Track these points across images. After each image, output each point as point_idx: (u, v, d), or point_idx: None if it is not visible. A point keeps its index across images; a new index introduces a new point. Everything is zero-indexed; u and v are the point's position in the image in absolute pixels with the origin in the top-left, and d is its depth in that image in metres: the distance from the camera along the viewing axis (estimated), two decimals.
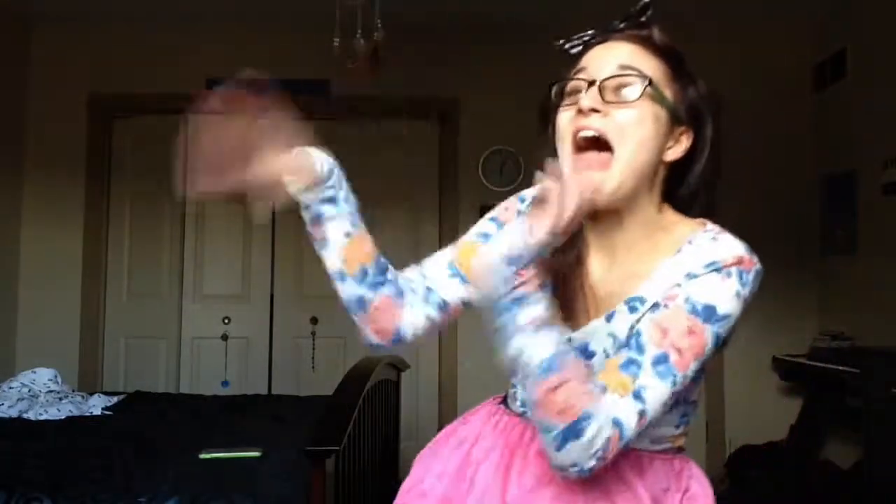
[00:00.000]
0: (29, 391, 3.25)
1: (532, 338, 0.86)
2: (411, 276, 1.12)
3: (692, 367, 0.90)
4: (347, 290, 1.06)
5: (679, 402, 0.96)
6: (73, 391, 3.47)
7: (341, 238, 1.03)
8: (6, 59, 4.10)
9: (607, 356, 0.96)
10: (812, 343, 3.86)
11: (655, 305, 0.94)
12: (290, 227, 4.31)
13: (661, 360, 0.88)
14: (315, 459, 1.96)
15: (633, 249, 1.00)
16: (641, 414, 0.87)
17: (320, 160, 1.01)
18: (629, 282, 0.99)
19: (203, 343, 4.25)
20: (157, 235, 4.30)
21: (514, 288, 0.85)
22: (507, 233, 0.93)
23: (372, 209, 4.62)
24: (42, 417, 2.94)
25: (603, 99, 0.95)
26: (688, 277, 0.93)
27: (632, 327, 0.95)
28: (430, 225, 4.27)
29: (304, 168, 0.99)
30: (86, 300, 4.21)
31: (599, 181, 0.95)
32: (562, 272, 1.02)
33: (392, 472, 3.22)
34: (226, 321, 4.26)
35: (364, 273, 1.05)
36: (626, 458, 0.95)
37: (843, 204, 3.82)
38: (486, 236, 1.13)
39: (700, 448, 3.97)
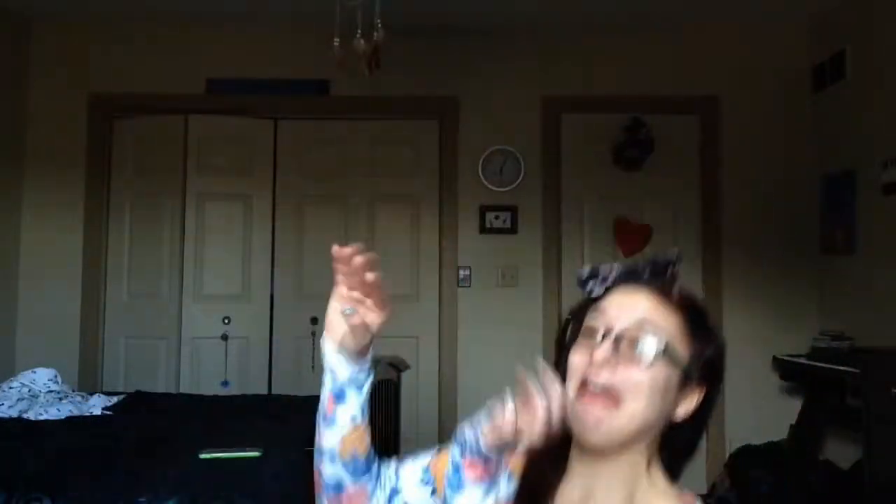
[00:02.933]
0: (29, 391, 3.24)
1: None
2: (385, 471, 1.09)
3: None
4: (332, 470, 1.04)
5: None
6: (73, 391, 3.46)
7: (348, 422, 1.02)
8: (6, 59, 4.10)
9: None
10: (812, 343, 3.86)
11: None
12: (289, 227, 4.33)
13: None
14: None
15: (610, 494, 0.96)
16: None
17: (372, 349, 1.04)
18: None
19: (203, 343, 4.25)
20: (157, 235, 4.30)
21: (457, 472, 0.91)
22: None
23: (372, 209, 4.64)
24: (42, 417, 2.93)
25: (618, 352, 0.93)
26: None
27: None
28: (430, 225, 4.26)
29: (363, 338, 1.00)
30: (86, 300, 4.21)
31: (602, 416, 0.92)
32: (537, 487, 0.98)
33: None
34: (226, 321, 4.26)
35: (354, 461, 1.04)
36: None
37: (843, 204, 3.82)
38: None
39: (700, 448, 3.97)
